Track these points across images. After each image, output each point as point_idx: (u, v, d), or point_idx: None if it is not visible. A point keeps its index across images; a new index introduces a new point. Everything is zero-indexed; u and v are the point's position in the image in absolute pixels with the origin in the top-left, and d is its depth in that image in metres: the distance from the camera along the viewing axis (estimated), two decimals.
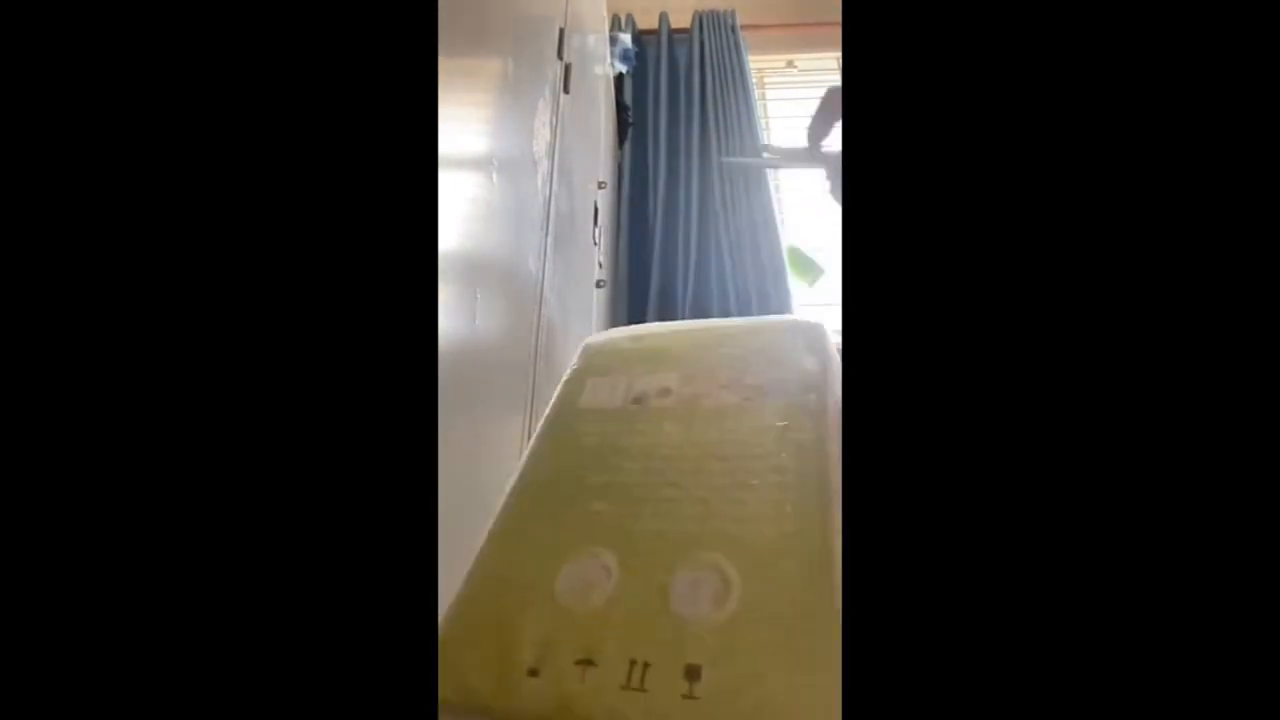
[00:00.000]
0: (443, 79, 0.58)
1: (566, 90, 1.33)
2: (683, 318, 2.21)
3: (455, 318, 0.63)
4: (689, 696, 0.23)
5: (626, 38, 2.55)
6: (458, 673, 0.26)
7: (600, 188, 1.86)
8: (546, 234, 1.09)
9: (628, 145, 2.56)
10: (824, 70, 2.81)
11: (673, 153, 2.54)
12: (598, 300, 1.82)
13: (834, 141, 0.59)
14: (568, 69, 1.36)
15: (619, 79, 2.53)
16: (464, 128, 0.67)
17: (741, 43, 2.74)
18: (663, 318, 2.25)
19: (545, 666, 0.25)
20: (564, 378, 0.42)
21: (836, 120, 0.57)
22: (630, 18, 2.83)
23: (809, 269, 2.43)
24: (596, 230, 1.79)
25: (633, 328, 0.46)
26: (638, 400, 0.37)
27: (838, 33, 2.58)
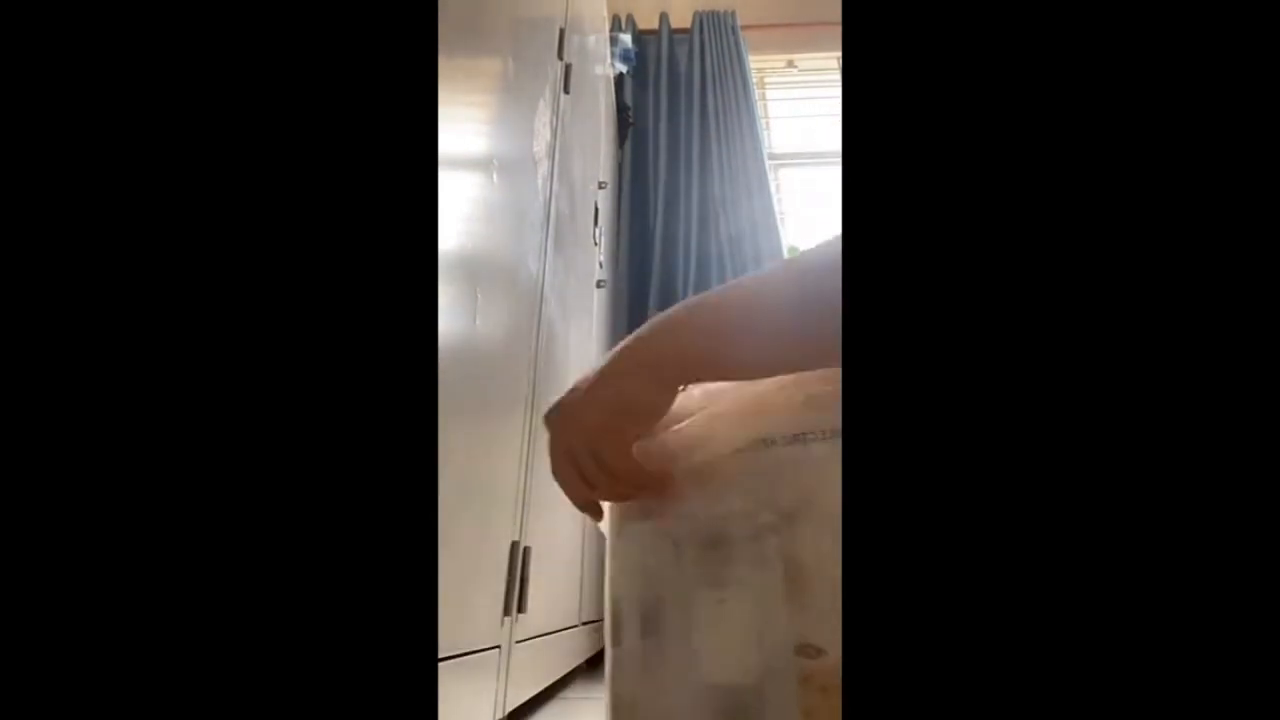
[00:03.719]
0: (443, 79, 0.58)
1: (567, 90, 1.33)
2: None
3: (456, 317, 0.63)
4: None
5: (626, 38, 2.55)
6: None
7: (600, 188, 1.86)
8: (547, 234, 1.09)
9: (628, 145, 2.56)
10: (824, 70, 2.81)
11: (673, 153, 2.54)
12: (598, 300, 1.81)
13: None
14: (568, 69, 1.36)
15: (619, 79, 2.53)
16: (464, 128, 0.67)
17: (741, 43, 2.74)
18: None
19: None
20: None
21: None
22: (630, 18, 2.83)
23: None
24: (596, 230, 1.79)
25: None
26: None
27: (838, 33, 2.57)
